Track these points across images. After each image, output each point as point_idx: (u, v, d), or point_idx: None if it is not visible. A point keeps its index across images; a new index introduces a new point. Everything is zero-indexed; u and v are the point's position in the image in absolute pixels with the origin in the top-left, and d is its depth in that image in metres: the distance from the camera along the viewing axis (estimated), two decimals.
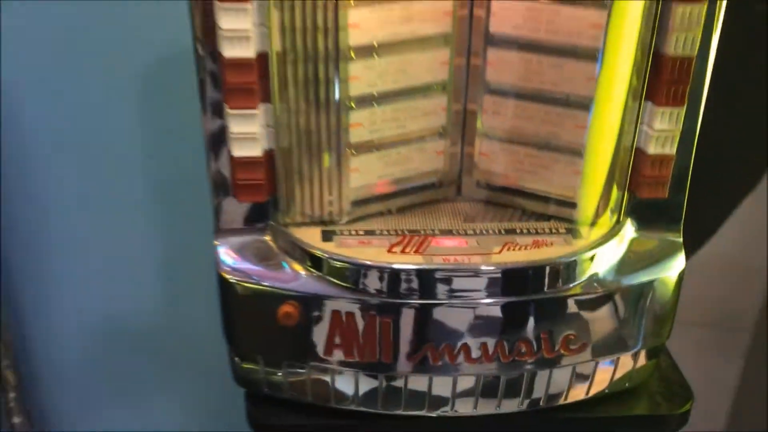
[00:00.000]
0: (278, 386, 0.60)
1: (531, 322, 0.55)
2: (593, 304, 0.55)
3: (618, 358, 0.59)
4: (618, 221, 0.58)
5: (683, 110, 0.53)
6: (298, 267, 0.56)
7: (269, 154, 0.55)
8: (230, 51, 0.51)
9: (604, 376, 0.61)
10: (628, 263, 0.57)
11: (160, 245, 0.97)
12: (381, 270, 0.54)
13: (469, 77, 0.58)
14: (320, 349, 0.56)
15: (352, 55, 0.51)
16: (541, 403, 0.60)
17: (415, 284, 0.54)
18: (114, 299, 1.00)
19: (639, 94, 0.54)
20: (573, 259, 0.55)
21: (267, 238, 0.58)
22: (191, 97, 0.55)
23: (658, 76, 0.52)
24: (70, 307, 1.00)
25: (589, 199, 0.57)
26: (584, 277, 0.55)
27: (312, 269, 0.55)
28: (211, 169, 0.56)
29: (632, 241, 0.58)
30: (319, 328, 0.55)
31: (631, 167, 0.57)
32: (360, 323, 0.55)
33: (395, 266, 0.54)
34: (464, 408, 0.59)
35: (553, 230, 0.58)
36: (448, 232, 0.58)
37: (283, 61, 0.52)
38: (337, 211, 0.58)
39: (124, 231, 0.95)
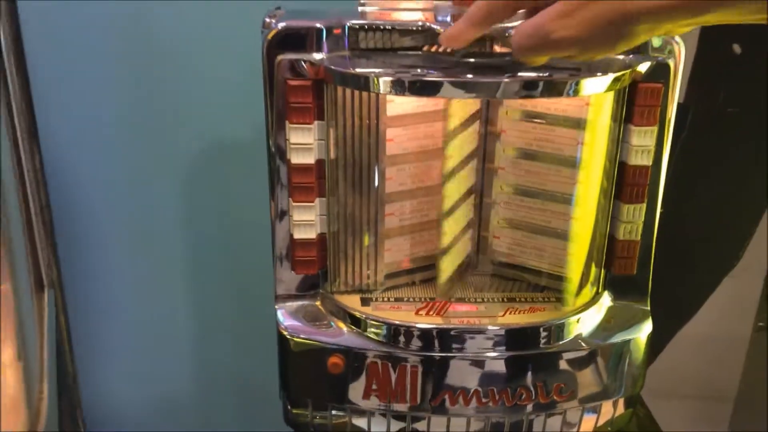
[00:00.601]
0: (323, 428, 0.74)
1: (528, 372, 0.69)
2: (578, 359, 0.70)
3: (600, 405, 0.73)
4: (597, 292, 0.73)
5: (644, 206, 0.69)
6: (342, 326, 0.71)
7: (321, 237, 0.71)
8: (296, 158, 0.67)
9: (590, 421, 0.74)
10: (606, 326, 0.71)
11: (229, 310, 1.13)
12: (409, 329, 0.68)
13: (485, 178, 0.74)
14: (359, 394, 0.70)
15: (392, 161, 0.68)
16: None
17: (436, 341, 0.68)
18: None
19: (609, 193, 0.69)
20: (561, 321, 0.69)
21: (317, 303, 0.73)
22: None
23: (623, 180, 0.68)
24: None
25: (574, 274, 0.72)
26: (570, 337, 0.70)
27: (354, 327, 0.70)
28: (274, 247, 0.72)
29: (609, 309, 0.73)
30: (359, 376, 0.70)
31: (606, 249, 0.72)
32: (392, 372, 0.69)
33: (420, 326, 0.68)
34: None
35: (546, 299, 0.73)
36: (462, 300, 0.73)
37: (335, 166, 0.68)
38: (373, 282, 0.73)
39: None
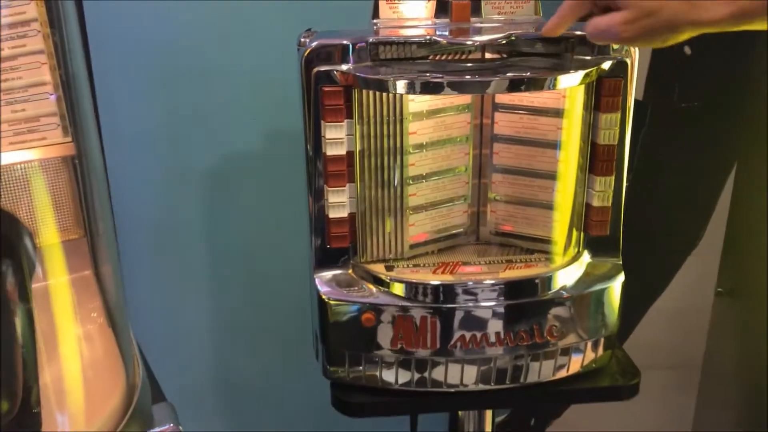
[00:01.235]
0: (357, 380, 0.88)
1: (525, 318, 0.85)
2: (565, 305, 0.85)
3: (585, 344, 0.88)
4: (578, 251, 0.89)
5: (613, 177, 0.85)
6: (371, 287, 0.86)
7: (351, 216, 0.86)
8: (331, 151, 0.82)
9: (577, 362, 0.89)
10: (586, 279, 0.87)
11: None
12: (426, 285, 0.84)
13: (482, 161, 0.90)
14: (387, 343, 0.85)
15: (411, 150, 0.83)
16: (538, 378, 0.88)
17: (449, 293, 0.83)
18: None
19: (584, 168, 0.86)
20: (550, 275, 0.85)
21: (349, 271, 0.88)
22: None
23: (594, 157, 0.84)
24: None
25: (558, 237, 0.88)
26: (558, 287, 0.85)
27: (381, 288, 0.85)
28: (311, 227, 0.87)
29: (588, 264, 0.89)
30: (387, 328, 0.85)
31: (584, 215, 0.88)
32: (415, 322, 0.84)
33: (434, 283, 0.84)
34: (485, 383, 0.87)
35: (536, 259, 0.89)
36: (468, 263, 0.88)
37: (362, 156, 0.84)
38: (399, 253, 0.88)
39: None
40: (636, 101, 1.14)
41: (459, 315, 0.84)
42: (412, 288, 0.84)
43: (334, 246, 0.87)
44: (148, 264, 1.23)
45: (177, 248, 1.25)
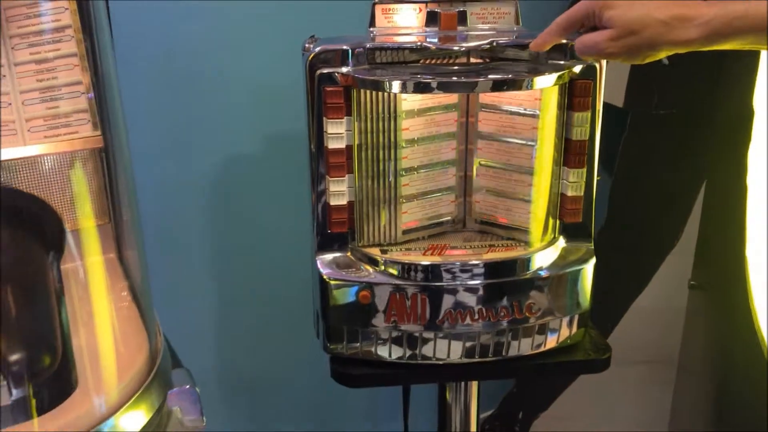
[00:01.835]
0: (354, 350, 0.97)
1: (506, 295, 0.94)
2: (541, 285, 0.95)
3: (561, 320, 0.97)
4: (554, 237, 0.99)
5: (585, 170, 0.95)
6: (368, 268, 0.95)
7: (350, 204, 0.96)
8: (332, 144, 0.92)
9: (553, 340, 0.98)
10: (561, 262, 0.97)
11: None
12: (416, 265, 0.93)
13: (467, 156, 1.00)
14: (382, 319, 0.94)
15: (404, 144, 0.93)
16: (518, 352, 0.97)
17: (437, 273, 0.93)
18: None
19: (559, 162, 0.95)
20: (528, 256, 0.95)
21: (348, 254, 0.97)
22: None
23: (568, 151, 0.94)
24: None
25: (535, 225, 0.98)
26: (535, 268, 0.95)
27: (376, 268, 0.94)
28: (314, 213, 0.96)
29: (563, 249, 0.98)
30: (382, 305, 0.94)
31: (559, 205, 0.97)
32: (407, 299, 0.93)
33: (424, 263, 0.93)
34: (470, 357, 0.96)
35: (516, 244, 0.98)
36: (455, 247, 0.98)
37: (360, 150, 0.93)
38: (393, 238, 0.98)
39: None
40: (617, 108, 1.25)
41: (446, 292, 0.93)
42: (405, 268, 0.94)
43: (335, 231, 0.96)
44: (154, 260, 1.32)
45: (182, 246, 1.35)
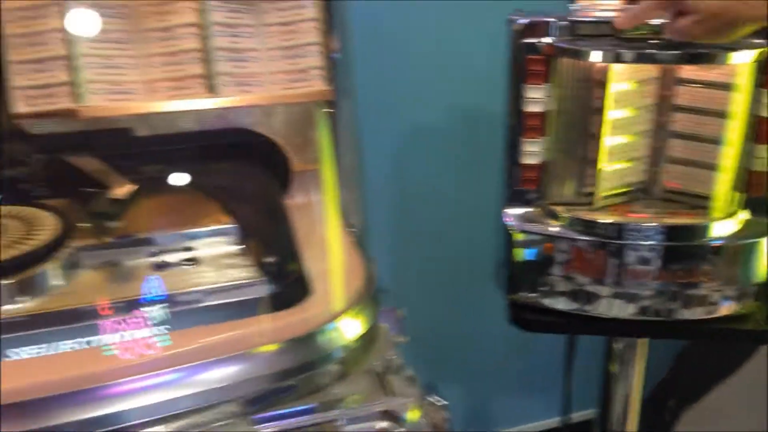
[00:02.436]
0: (533, 298, 1.07)
1: (682, 259, 1.00)
2: (718, 253, 1.00)
3: (734, 290, 1.02)
4: (736, 210, 1.03)
5: None
6: (553, 222, 1.04)
7: (542, 164, 1.05)
8: (530, 108, 1.02)
9: (726, 303, 1.03)
10: (740, 233, 1.01)
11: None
12: (598, 223, 1.01)
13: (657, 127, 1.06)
14: (561, 270, 1.03)
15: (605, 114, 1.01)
16: (690, 315, 1.03)
17: (617, 231, 1.00)
18: None
19: (750, 137, 1.00)
20: (706, 224, 1.00)
21: (534, 209, 1.07)
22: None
23: (758, 128, 0.98)
24: None
25: (719, 197, 1.02)
26: (712, 236, 1.00)
27: (559, 223, 1.03)
28: (507, 171, 1.06)
29: (746, 221, 1.02)
30: (562, 257, 1.03)
31: (746, 179, 1.01)
32: (586, 254, 1.01)
33: (605, 221, 1.01)
34: (640, 315, 1.03)
35: (698, 213, 1.04)
36: (637, 211, 1.05)
37: (557, 114, 1.02)
38: (580, 200, 1.06)
39: None
40: None
41: (624, 251, 1.00)
42: (586, 225, 1.02)
43: (525, 187, 1.06)
44: None
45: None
